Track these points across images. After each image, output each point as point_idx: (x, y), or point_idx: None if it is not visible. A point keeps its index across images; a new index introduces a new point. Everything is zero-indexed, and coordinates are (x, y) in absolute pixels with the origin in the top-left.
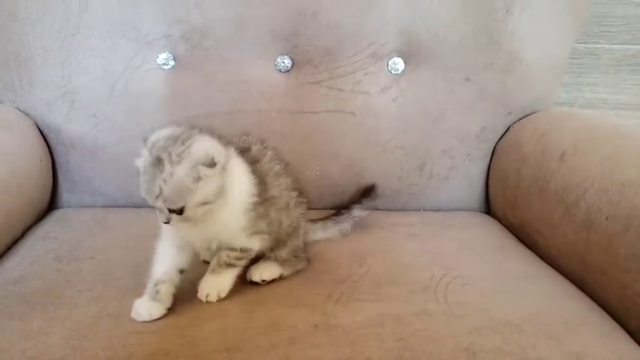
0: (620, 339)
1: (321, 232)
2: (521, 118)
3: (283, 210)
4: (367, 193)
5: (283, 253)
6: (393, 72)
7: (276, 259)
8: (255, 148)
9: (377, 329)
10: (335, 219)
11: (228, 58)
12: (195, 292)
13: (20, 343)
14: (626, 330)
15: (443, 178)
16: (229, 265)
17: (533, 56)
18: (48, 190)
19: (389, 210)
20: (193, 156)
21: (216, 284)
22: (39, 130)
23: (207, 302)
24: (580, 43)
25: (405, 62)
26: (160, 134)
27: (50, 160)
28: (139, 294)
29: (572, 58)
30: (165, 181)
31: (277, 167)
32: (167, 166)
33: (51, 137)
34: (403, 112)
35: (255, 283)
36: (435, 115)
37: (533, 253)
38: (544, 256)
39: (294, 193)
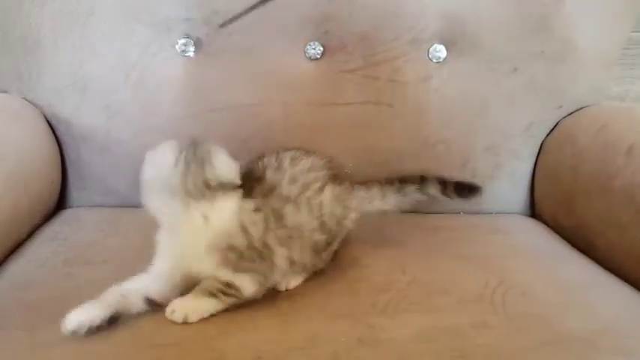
0: None
1: (379, 202)
2: (571, 113)
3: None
4: (466, 188)
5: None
6: (435, 60)
7: None
8: (270, 173)
9: (430, 344)
10: (399, 187)
11: (253, 45)
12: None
13: (26, 356)
14: None
15: (487, 178)
16: (211, 295)
17: (587, 44)
18: (57, 187)
19: (427, 212)
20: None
21: (190, 305)
22: (47, 121)
23: (170, 320)
24: (633, 31)
25: (447, 49)
26: None
27: (59, 154)
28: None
29: (625, 48)
30: None
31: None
32: None
33: (60, 130)
34: (445, 104)
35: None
36: (478, 108)
37: (590, 259)
38: (604, 262)
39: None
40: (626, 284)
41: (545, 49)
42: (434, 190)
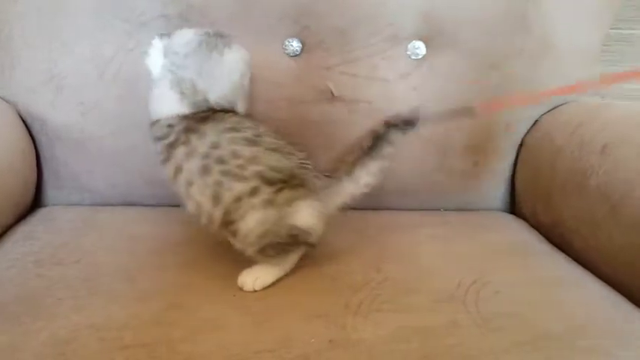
0: None
1: (367, 178)
2: (550, 110)
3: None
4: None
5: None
6: (414, 57)
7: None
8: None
9: (402, 345)
10: (374, 154)
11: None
12: (190, 298)
13: None
14: None
15: (465, 175)
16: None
17: (565, 42)
18: (31, 185)
19: (407, 209)
20: None
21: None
22: (21, 119)
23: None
24: (613, 28)
25: (426, 46)
26: None
27: (34, 152)
28: (127, 302)
29: (603, 45)
30: None
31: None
32: None
33: (35, 127)
34: (423, 102)
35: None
36: (457, 105)
37: (568, 257)
38: (581, 260)
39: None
40: (601, 282)
41: (524, 46)
42: (395, 134)
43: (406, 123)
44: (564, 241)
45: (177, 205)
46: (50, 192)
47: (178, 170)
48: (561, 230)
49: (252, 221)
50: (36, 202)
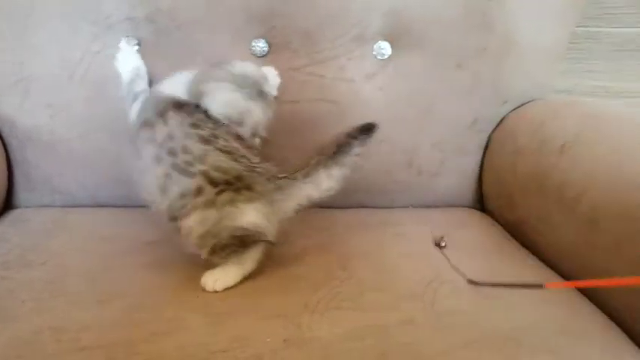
0: (626, 350)
1: (328, 182)
2: (517, 107)
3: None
4: (366, 129)
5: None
6: (379, 57)
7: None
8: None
9: (356, 343)
10: (337, 160)
11: (199, 42)
12: (153, 299)
13: None
14: (634, 340)
15: (433, 174)
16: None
17: (530, 40)
18: (3, 188)
19: (376, 207)
20: None
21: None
22: None
23: None
24: (579, 26)
25: (391, 46)
26: None
27: (5, 155)
28: (89, 304)
29: (571, 43)
30: None
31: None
32: None
33: (4, 130)
34: (390, 102)
35: None
36: (424, 104)
37: (531, 255)
38: (544, 257)
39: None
40: (561, 279)
41: (488, 45)
42: (358, 148)
43: (363, 132)
44: (528, 238)
45: (146, 207)
46: (22, 194)
47: (138, 154)
48: (525, 228)
49: (193, 221)
50: (8, 204)
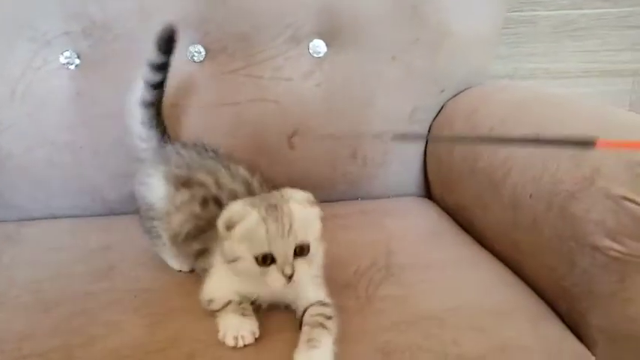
0: (550, 325)
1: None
2: (455, 95)
3: None
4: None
5: None
6: (315, 55)
7: None
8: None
9: (287, 334)
10: None
11: (136, 52)
12: (94, 304)
13: None
14: (557, 314)
15: (378, 164)
16: (322, 327)
17: (463, 29)
18: None
19: (326, 201)
20: (296, 196)
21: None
22: None
23: None
24: (514, 11)
25: (326, 44)
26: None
27: None
28: (32, 313)
29: (508, 27)
30: (289, 216)
31: None
32: (282, 205)
33: None
34: (329, 97)
35: None
36: (363, 98)
37: (471, 238)
38: (480, 240)
39: None
40: (496, 260)
41: (420, 36)
42: None
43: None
44: (467, 222)
45: (98, 215)
46: None
47: None
48: (463, 212)
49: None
50: None
